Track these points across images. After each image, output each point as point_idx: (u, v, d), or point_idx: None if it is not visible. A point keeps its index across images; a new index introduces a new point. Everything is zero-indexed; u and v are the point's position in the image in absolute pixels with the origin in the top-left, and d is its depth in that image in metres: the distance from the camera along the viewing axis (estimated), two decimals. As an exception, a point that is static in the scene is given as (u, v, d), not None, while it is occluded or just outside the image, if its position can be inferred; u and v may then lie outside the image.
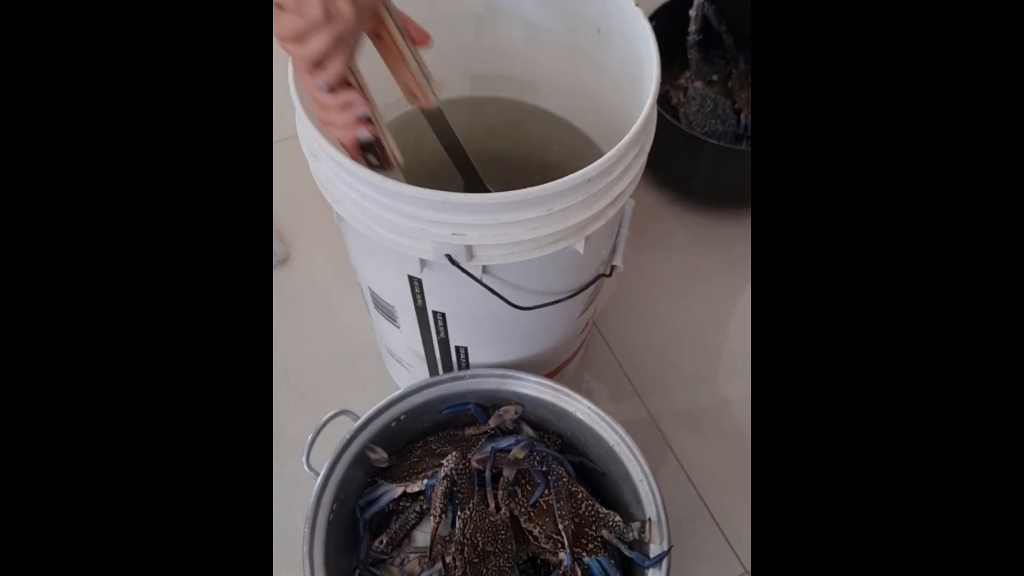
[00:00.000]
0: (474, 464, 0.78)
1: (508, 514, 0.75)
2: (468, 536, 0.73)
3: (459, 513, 0.74)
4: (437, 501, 0.75)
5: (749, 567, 0.93)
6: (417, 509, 0.79)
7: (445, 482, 0.75)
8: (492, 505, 0.75)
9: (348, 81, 0.58)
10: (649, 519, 0.74)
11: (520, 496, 0.76)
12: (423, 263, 0.67)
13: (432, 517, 0.75)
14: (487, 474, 0.77)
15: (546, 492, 0.76)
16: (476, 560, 0.72)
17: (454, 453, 0.77)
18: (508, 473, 0.76)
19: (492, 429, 0.82)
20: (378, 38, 0.62)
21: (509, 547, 0.74)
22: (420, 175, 0.78)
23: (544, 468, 0.77)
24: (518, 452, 0.77)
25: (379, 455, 0.79)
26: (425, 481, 0.78)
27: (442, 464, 0.77)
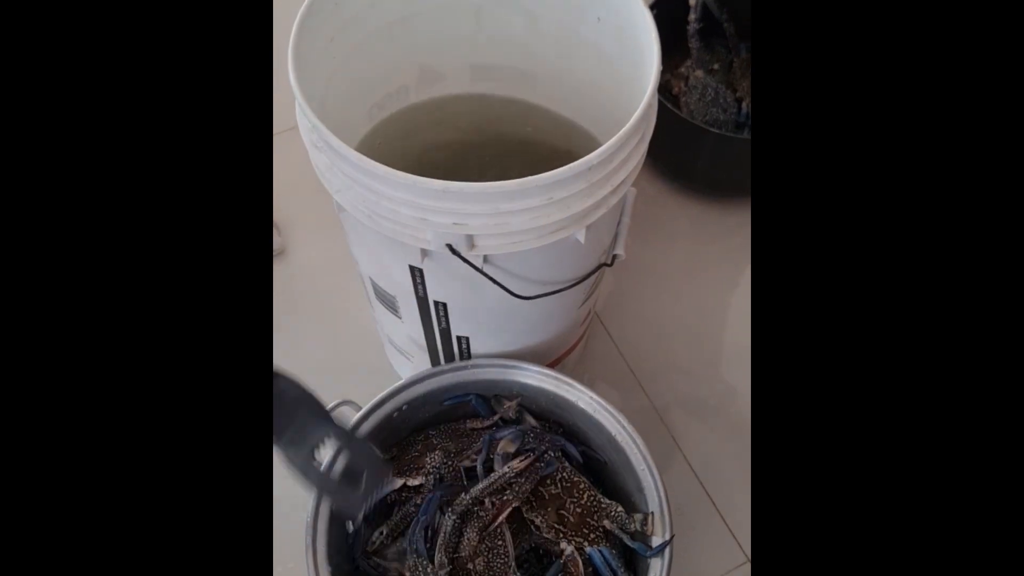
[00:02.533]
0: (470, 460, 0.78)
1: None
2: (464, 530, 0.73)
3: (449, 511, 0.74)
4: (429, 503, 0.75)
5: (751, 556, 0.93)
6: (418, 501, 0.79)
7: (430, 480, 0.75)
8: (488, 503, 0.75)
9: None
10: (652, 513, 0.74)
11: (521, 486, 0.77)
12: (424, 253, 0.66)
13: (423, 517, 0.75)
14: (479, 468, 0.77)
15: (547, 482, 0.77)
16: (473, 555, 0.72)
17: (437, 453, 0.77)
18: (499, 466, 0.76)
19: (495, 422, 0.82)
20: None
21: (505, 542, 0.74)
22: (415, 167, 0.78)
23: (544, 447, 0.77)
24: (507, 445, 0.77)
25: (377, 452, 0.79)
26: (425, 478, 0.78)
27: (427, 462, 0.77)
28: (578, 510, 0.76)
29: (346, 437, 0.64)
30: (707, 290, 1.14)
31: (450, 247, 0.63)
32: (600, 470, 0.84)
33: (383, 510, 0.81)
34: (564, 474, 0.78)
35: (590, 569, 0.74)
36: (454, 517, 0.73)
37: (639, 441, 0.76)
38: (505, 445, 0.77)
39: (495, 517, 0.73)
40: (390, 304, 0.81)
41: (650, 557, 0.72)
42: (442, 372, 0.81)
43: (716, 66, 1.20)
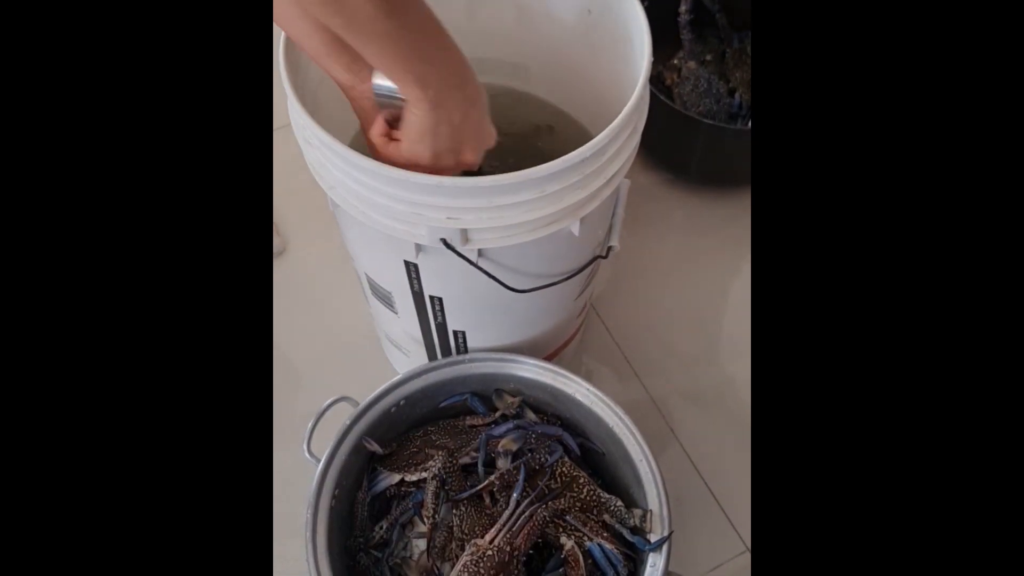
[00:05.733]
0: (469, 457, 0.78)
1: (505, 505, 0.75)
2: (466, 532, 0.73)
3: (454, 510, 0.74)
4: (428, 502, 0.75)
5: (751, 545, 0.94)
6: (418, 497, 0.79)
7: (434, 482, 0.75)
8: (487, 499, 0.75)
9: None
10: (650, 511, 0.74)
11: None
12: (419, 248, 0.66)
13: (425, 519, 0.75)
14: (480, 467, 0.77)
15: (546, 476, 0.77)
16: None
17: (440, 453, 0.77)
18: (503, 464, 0.76)
19: (494, 419, 0.82)
20: None
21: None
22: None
23: (544, 443, 0.78)
24: (509, 444, 0.77)
25: (375, 448, 0.79)
26: (423, 474, 0.77)
27: (429, 466, 0.77)
28: (578, 504, 0.76)
29: None
30: (703, 280, 1.14)
31: (444, 242, 0.63)
32: (598, 462, 0.84)
33: (382, 505, 0.81)
34: (564, 468, 0.78)
35: (590, 562, 0.74)
36: (456, 511, 0.73)
37: (637, 433, 0.76)
38: (507, 444, 0.77)
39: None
40: (386, 300, 0.81)
41: (649, 551, 0.72)
42: (439, 367, 0.81)
43: (709, 57, 1.20)
